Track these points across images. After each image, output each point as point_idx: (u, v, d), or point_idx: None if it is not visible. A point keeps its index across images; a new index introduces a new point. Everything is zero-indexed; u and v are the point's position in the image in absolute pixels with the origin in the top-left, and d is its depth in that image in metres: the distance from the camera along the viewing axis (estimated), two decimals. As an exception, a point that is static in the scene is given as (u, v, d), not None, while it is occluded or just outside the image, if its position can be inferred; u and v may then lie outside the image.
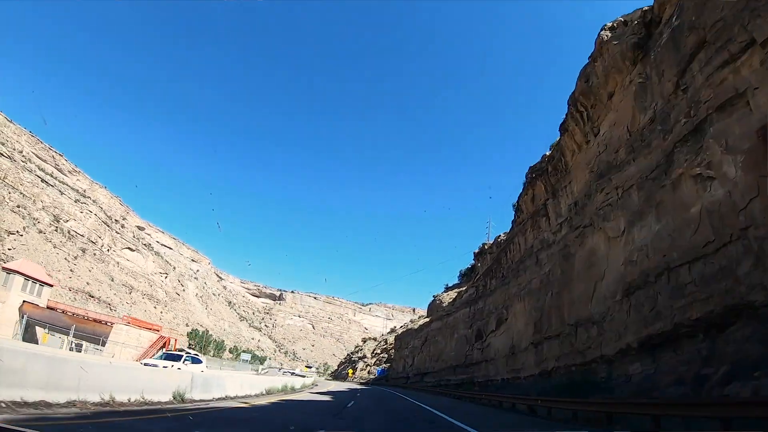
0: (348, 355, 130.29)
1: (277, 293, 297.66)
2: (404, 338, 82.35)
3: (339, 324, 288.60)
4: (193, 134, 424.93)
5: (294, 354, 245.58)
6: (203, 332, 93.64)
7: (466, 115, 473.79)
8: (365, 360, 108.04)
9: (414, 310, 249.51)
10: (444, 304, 67.59)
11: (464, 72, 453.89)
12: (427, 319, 74.27)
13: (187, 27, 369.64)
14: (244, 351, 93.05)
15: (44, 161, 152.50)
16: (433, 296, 79.76)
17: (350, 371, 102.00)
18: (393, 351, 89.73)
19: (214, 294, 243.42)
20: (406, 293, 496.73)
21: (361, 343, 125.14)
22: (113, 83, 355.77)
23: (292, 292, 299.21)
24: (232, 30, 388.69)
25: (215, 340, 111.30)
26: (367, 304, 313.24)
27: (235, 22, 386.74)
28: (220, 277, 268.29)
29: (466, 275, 73.93)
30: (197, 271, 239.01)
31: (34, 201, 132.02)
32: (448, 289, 78.16)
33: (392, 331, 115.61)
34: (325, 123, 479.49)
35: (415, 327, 78.89)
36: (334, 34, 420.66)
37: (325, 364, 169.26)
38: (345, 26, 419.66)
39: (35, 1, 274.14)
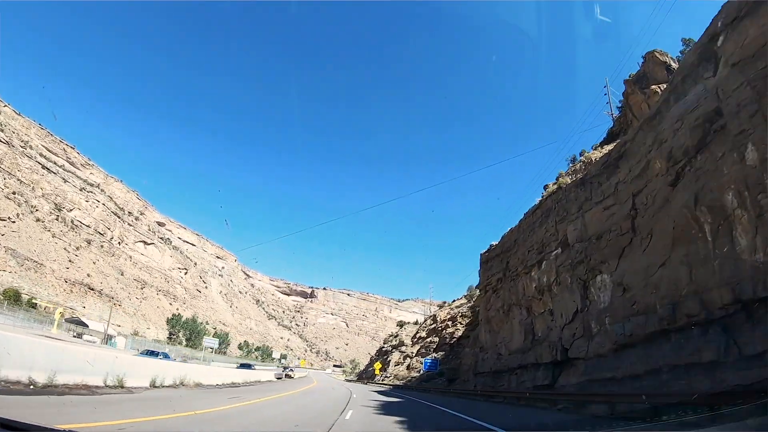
0: (380, 347, 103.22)
1: (309, 290, 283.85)
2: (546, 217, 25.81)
3: (374, 321, 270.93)
4: (223, 133, 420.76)
5: (327, 353, 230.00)
6: (188, 319, 77.38)
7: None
8: (402, 349, 76.69)
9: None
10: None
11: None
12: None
13: (199, 23, 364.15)
14: (207, 336, 72.07)
15: (55, 154, 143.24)
16: (544, 188, 33.15)
17: (377, 366, 74.80)
18: (463, 319, 55.57)
19: (240, 292, 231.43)
20: (441, 290, 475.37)
21: (396, 329, 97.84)
22: (132, 80, 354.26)
23: (324, 288, 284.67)
24: (246, 26, 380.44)
25: (216, 332, 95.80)
26: (403, 300, 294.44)
27: (250, 19, 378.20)
28: (248, 275, 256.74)
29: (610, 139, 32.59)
30: (222, 268, 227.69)
31: (33, 188, 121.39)
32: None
33: (443, 305, 79.57)
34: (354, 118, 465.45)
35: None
36: (358, 33, 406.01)
37: (353, 361, 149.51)
38: (375, 26, 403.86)
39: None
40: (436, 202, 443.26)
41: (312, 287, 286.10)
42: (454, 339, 54.43)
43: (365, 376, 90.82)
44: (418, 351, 67.43)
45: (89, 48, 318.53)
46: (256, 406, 15.34)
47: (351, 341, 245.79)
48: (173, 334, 72.64)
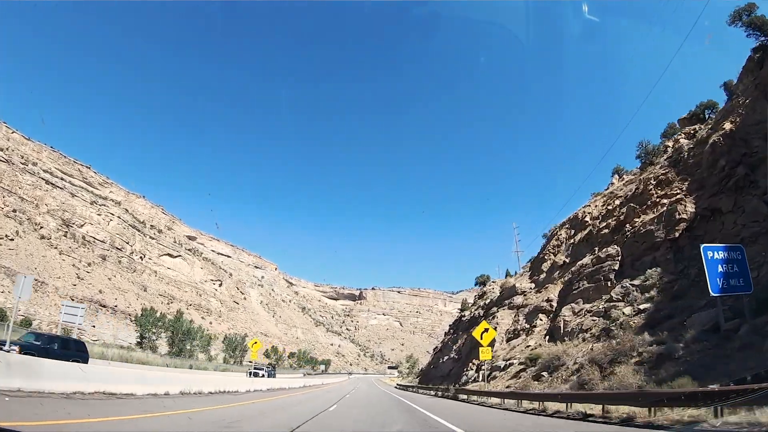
0: (457, 318, 63.75)
1: (357, 293, 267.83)
2: None
3: (429, 317, 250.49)
4: (254, 141, 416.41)
5: (382, 356, 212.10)
6: (163, 315, 60.61)
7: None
8: (517, 300, 38.27)
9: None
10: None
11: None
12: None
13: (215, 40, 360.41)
14: (205, 341, 53.62)
15: (70, 175, 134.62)
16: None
17: (486, 338, 26.11)
18: (669, 188, 23.97)
19: (283, 301, 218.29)
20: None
21: (477, 289, 59.19)
22: (152, 96, 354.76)
23: (373, 289, 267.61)
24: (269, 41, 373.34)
25: (230, 338, 78.75)
26: (457, 293, 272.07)
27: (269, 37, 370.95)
28: (291, 283, 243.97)
29: None
30: (262, 278, 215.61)
31: (36, 205, 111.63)
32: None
33: (555, 230, 40.97)
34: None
35: None
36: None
37: (410, 357, 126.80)
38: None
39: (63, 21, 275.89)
40: (434, 197, 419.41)
41: (360, 289, 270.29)
42: (680, 225, 21.54)
43: (435, 374, 54.09)
44: (566, 292, 28.39)
45: (93, 61, 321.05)
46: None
47: (407, 341, 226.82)
48: (145, 338, 56.31)
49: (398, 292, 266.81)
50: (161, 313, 64.60)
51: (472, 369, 34.99)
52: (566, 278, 30.29)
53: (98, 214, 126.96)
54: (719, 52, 77.22)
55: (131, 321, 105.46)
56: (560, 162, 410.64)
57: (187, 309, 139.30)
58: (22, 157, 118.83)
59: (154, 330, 56.93)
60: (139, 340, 57.82)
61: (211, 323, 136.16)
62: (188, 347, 61.80)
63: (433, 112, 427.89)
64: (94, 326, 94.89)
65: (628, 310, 20.28)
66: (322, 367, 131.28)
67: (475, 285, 56.28)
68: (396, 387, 60.23)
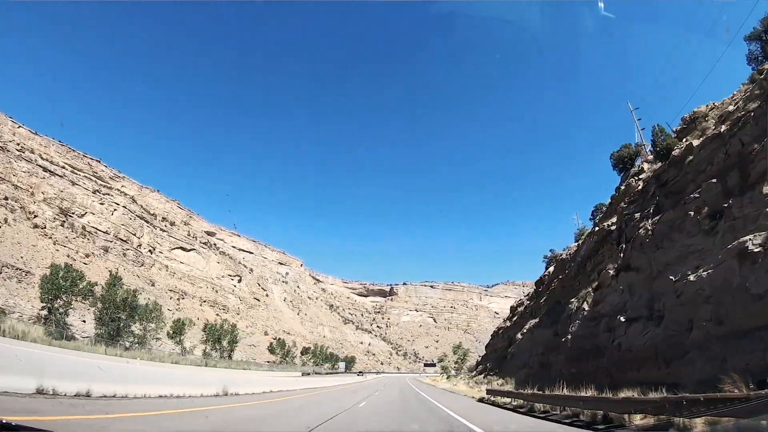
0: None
1: (387, 288, 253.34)
2: None
3: (464, 312, 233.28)
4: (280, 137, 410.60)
5: (415, 354, 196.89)
6: (81, 274, 45.15)
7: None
8: None
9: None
10: None
11: None
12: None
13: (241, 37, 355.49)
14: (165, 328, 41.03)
15: (80, 170, 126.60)
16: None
17: None
18: None
19: (309, 298, 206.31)
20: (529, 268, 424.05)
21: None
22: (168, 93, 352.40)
23: (404, 284, 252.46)
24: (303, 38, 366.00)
25: (199, 324, 65.48)
26: (492, 286, 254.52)
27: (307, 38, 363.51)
28: (317, 279, 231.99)
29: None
30: (286, 274, 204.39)
31: (31, 193, 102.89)
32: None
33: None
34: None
35: None
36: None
37: (457, 347, 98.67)
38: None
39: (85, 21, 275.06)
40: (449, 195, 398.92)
41: (390, 284, 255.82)
42: None
43: (629, 353, 17.14)
44: None
45: (106, 61, 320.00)
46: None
47: (441, 337, 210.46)
48: (52, 310, 41.52)
49: (431, 286, 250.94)
50: (79, 271, 50.70)
51: None
52: None
53: (101, 204, 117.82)
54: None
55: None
56: (579, 158, 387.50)
57: (201, 305, 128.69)
58: (18, 145, 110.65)
59: (65, 298, 42.98)
60: (46, 313, 44.12)
61: (226, 320, 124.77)
62: (134, 329, 48.11)
63: (451, 112, 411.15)
64: (84, 321, 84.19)
65: None
66: (342, 365, 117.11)
67: (614, 169, 32.53)
68: (484, 402, 24.04)
